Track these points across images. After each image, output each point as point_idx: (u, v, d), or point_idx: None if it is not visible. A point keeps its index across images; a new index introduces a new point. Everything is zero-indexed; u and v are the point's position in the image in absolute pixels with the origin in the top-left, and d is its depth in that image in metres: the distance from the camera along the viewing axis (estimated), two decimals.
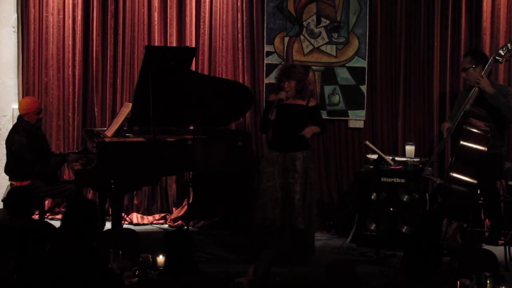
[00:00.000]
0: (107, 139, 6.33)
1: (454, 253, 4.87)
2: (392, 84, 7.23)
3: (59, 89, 7.67)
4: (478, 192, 5.98)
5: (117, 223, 6.10)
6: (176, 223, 7.41)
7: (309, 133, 6.01)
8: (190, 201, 7.12)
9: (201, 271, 3.78)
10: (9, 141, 6.47)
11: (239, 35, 7.36)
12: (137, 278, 4.14)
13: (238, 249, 6.35)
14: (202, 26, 7.44)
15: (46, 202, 7.22)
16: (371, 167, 6.53)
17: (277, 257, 5.66)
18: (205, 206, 7.41)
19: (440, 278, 3.69)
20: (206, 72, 7.37)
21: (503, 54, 6.00)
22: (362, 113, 7.25)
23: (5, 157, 6.63)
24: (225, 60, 7.41)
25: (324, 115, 7.15)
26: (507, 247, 5.93)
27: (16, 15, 7.65)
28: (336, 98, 7.29)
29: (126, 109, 6.48)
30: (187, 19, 7.46)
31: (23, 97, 7.57)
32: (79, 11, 7.58)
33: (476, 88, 6.00)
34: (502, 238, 6.28)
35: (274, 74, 7.13)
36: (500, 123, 6.22)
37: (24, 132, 6.39)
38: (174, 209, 7.54)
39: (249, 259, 5.65)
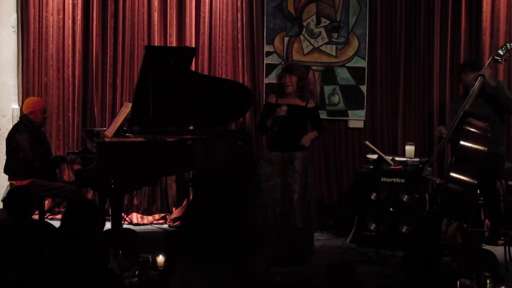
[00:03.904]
0: (107, 139, 6.34)
1: (454, 253, 4.87)
2: (392, 84, 7.23)
3: (59, 89, 7.68)
4: (478, 192, 5.98)
5: (117, 223, 6.10)
6: (176, 223, 7.41)
7: (307, 141, 6.02)
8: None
9: None
10: (10, 138, 6.50)
11: (239, 35, 7.36)
12: (137, 278, 4.14)
13: None
14: (202, 26, 7.44)
15: (46, 202, 7.22)
16: (371, 167, 6.54)
17: (277, 257, 5.67)
18: None
19: (440, 278, 3.69)
20: (206, 72, 7.37)
21: (502, 54, 6.01)
22: (362, 113, 7.25)
23: (5, 157, 6.64)
24: (225, 60, 7.42)
25: (324, 115, 7.16)
26: (507, 247, 5.93)
27: (16, 15, 7.66)
28: (336, 98, 7.29)
29: (126, 109, 6.48)
30: (187, 19, 7.46)
31: (23, 97, 7.60)
32: (79, 11, 7.59)
33: (476, 87, 6.00)
34: (502, 238, 6.28)
35: (274, 74, 7.14)
36: (501, 122, 6.24)
37: (26, 129, 6.42)
38: (174, 209, 7.54)
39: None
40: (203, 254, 2.90)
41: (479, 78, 6.00)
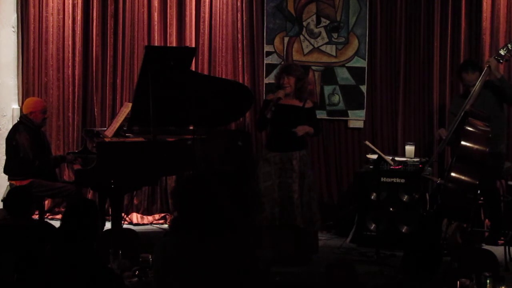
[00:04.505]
0: (107, 139, 6.34)
1: (454, 253, 4.87)
2: (392, 84, 7.24)
3: (59, 89, 7.67)
4: (478, 192, 5.98)
5: (117, 223, 6.10)
6: None
7: (301, 131, 6.00)
8: None
9: None
10: (10, 138, 6.50)
11: (239, 35, 7.36)
12: (137, 278, 4.14)
13: None
14: (202, 26, 7.44)
15: (46, 202, 7.22)
16: (371, 167, 6.54)
17: (277, 257, 5.67)
18: None
19: (440, 278, 3.69)
20: (206, 72, 7.37)
21: (503, 54, 6.02)
22: (362, 113, 7.25)
23: (5, 157, 6.64)
24: (225, 60, 7.42)
25: (324, 115, 7.16)
26: (507, 247, 5.93)
27: (16, 15, 7.65)
28: (336, 98, 7.29)
29: (126, 109, 6.48)
30: (187, 19, 7.46)
31: (23, 97, 7.59)
32: (79, 11, 7.59)
33: (477, 87, 6.01)
34: (502, 238, 6.27)
35: (274, 74, 7.13)
36: (501, 120, 6.25)
37: (26, 129, 6.42)
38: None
39: None
40: (190, 226, 3.14)
41: (484, 70, 6.02)
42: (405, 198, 6.59)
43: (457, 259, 4.54)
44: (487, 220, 6.70)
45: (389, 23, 7.21)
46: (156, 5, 7.46)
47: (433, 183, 6.44)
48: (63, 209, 7.22)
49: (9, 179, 6.57)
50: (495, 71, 6.07)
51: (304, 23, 7.29)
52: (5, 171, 6.61)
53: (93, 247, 3.61)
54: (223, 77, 7.29)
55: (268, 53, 7.34)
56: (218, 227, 3.14)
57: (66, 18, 7.61)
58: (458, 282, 3.95)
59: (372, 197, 6.49)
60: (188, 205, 3.16)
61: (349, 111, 7.28)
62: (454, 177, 5.69)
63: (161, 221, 7.52)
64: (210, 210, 3.14)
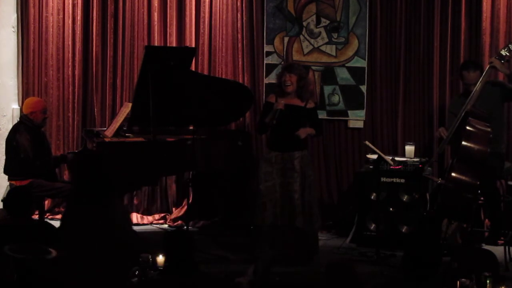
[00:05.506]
0: (107, 139, 6.34)
1: (454, 253, 4.87)
2: (392, 84, 7.23)
3: (59, 89, 7.67)
4: (478, 192, 5.98)
5: None
6: (176, 223, 7.42)
7: (303, 133, 5.99)
8: (190, 201, 7.11)
9: (201, 271, 3.78)
10: (10, 138, 6.49)
11: (239, 35, 7.36)
12: (137, 278, 4.14)
13: (238, 249, 6.35)
14: (202, 26, 7.44)
15: (46, 202, 7.21)
16: (371, 167, 6.54)
17: (277, 257, 5.67)
18: (205, 206, 7.41)
19: (440, 278, 3.69)
20: (206, 72, 7.37)
21: (504, 55, 6.01)
22: (361, 113, 7.25)
23: (5, 157, 6.64)
24: (225, 60, 7.41)
25: (324, 115, 7.16)
26: (507, 247, 5.93)
27: (16, 15, 7.65)
28: (336, 98, 7.29)
29: (126, 109, 6.49)
30: (187, 19, 7.46)
31: (23, 97, 7.59)
32: (79, 11, 7.59)
33: (478, 87, 6.00)
34: (502, 238, 6.28)
35: (274, 74, 7.14)
36: (502, 120, 6.25)
37: (26, 130, 6.42)
38: (174, 209, 7.54)
39: (249, 259, 5.65)
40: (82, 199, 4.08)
41: (486, 70, 6.02)
42: (405, 198, 6.59)
43: (457, 259, 4.54)
44: (487, 220, 6.69)
45: (389, 23, 7.20)
46: (156, 5, 7.46)
47: (433, 183, 6.44)
48: (63, 209, 7.22)
49: (9, 179, 6.57)
50: (503, 68, 6.06)
51: (304, 23, 7.28)
52: (5, 171, 6.61)
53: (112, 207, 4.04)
54: (223, 77, 7.29)
55: (268, 53, 7.34)
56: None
57: (66, 18, 7.61)
58: (458, 282, 3.95)
59: (372, 197, 6.49)
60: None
61: (349, 111, 7.27)
62: (454, 178, 5.69)
63: (161, 221, 7.52)
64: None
